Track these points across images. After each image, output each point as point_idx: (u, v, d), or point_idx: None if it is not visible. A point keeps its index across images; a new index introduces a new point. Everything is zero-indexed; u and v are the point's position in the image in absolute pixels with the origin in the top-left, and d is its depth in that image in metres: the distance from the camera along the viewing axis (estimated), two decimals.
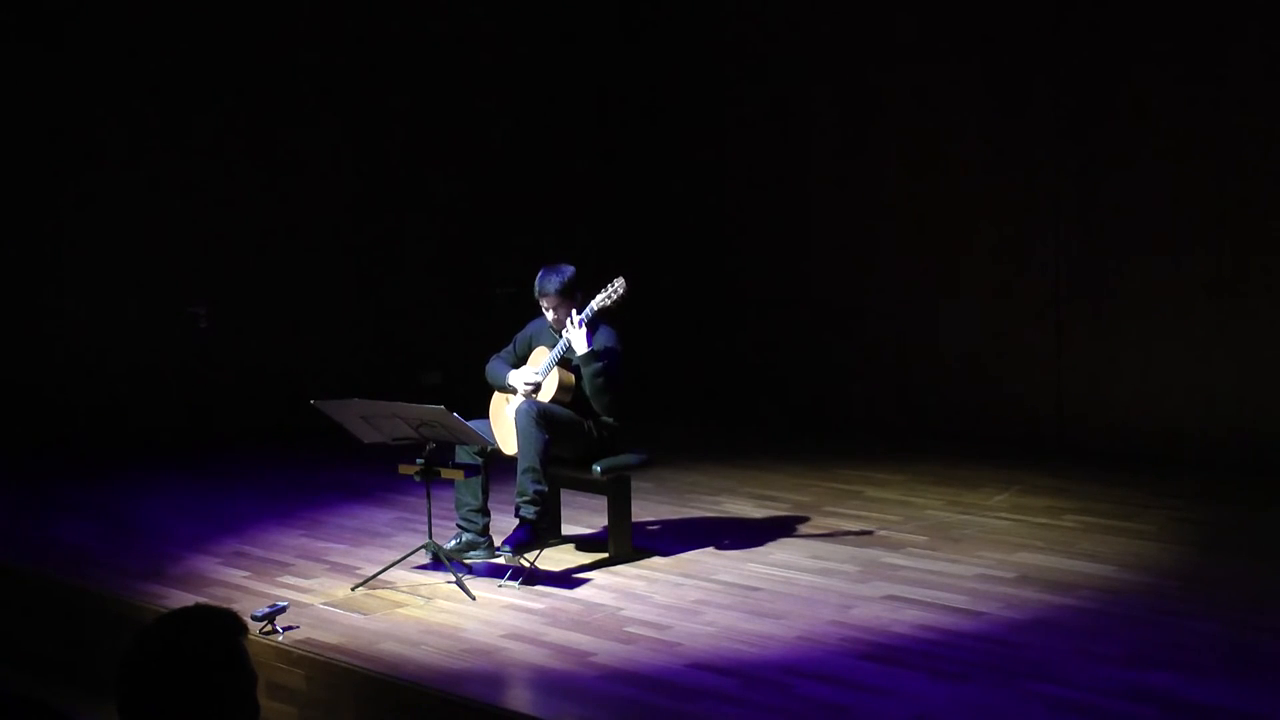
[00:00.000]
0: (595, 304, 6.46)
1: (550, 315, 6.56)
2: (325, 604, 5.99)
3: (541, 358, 6.58)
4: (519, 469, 6.30)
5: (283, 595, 5.97)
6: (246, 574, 6.50)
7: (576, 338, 6.40)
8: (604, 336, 6.50)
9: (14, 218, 9.41)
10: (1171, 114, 8.51)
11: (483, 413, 6.69)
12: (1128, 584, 6.10)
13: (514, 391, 6.59)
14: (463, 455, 6.46)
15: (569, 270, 6.56)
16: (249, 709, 2.50)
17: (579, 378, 6.48)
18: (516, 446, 6.34)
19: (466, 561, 6.42)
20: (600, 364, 6.39)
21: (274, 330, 10.14)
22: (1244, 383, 8.35)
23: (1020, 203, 9.18)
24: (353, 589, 6.16)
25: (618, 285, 6.46)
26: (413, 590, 6.13)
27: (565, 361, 6.49)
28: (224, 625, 2.52)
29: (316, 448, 8.87)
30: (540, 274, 6.57)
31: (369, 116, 10.39)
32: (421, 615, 5.82)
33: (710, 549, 6.77)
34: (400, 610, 5.88)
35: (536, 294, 6.57)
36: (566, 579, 6.29)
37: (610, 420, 6.59)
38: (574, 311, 6.48)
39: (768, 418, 10.33)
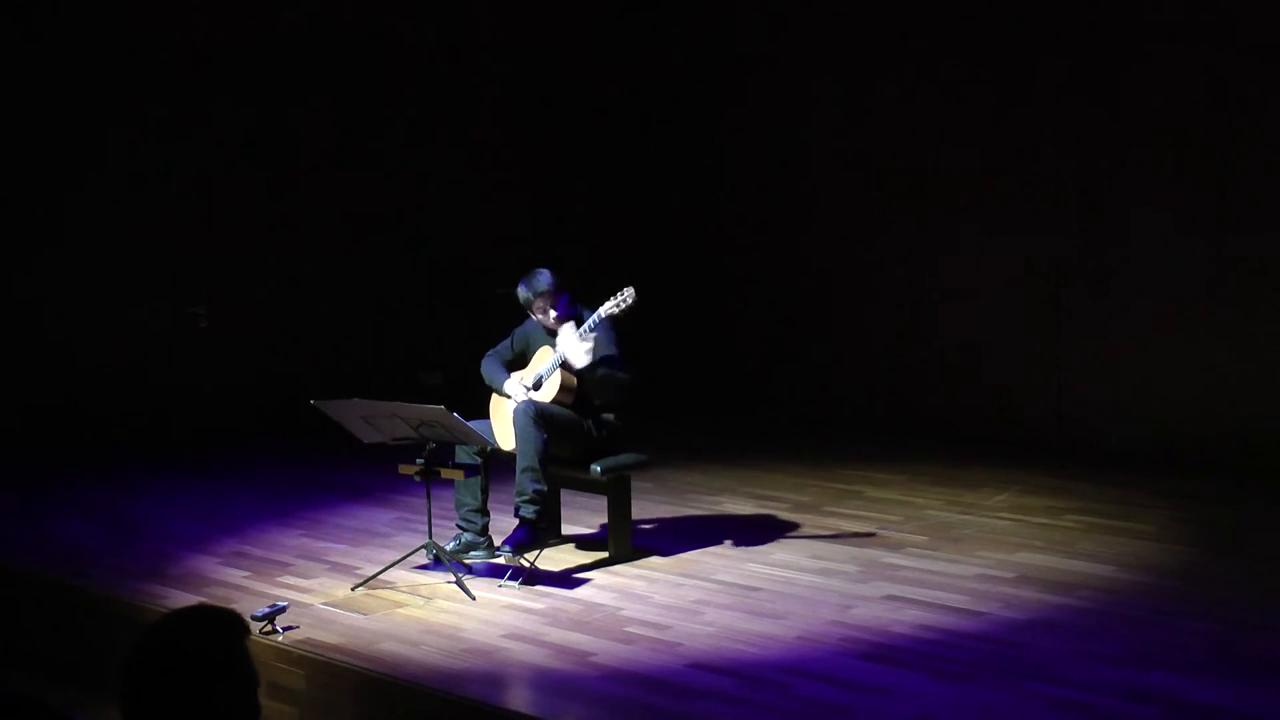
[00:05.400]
0: (603, 311, 6.38)
1: (548, 317, 6.54)
2: (325, 604, 5.99)
3: (546, 357, 6.57)
4: (518, 468, 6.30)
5: (283, 595, 5.97)
6: (246, 574, 6.50)
7: (574, 351, 6.35)
8: (604, 332, 6.46)
9: (13, 217, 9.40)
10: (1172, 113, 8.51)
11: (483, 413, 6.68)
12: (1128, 584, 6.11)
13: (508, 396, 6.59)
14: (462, 455, 6.46)
15: (546, 271, 6.57)
16: (250, 710, 2.50)
17: (581, 380, 6.49)
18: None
19: (466, 561, 6.42)
20: (602, 370, 6.38)
21: (274, 330, 10.14)
22: (1244, 382, 8.35)
23: (1020, 202, 9.18)
24: (353, 589, 6.16)
25: (627, 295, 6.36)
26: (413, 590, 6.13)
27: (568, 362, 6.48)
28: (226, 626, 2.52)
29: (316, 448, 8.87)
30: (523, 283, 6.55)
31: (370, 116, 10.39)
32: (421, 615, 5.82)
33: (710, 549, 6.77)
34: (400, 610, 5.88)
35: (529, 300, 6.53)
36: (566, 579, 6.29)
37: (611, 419, 6.59)
38: (584, 316, 6.44)
39: (768, 418, 10.33)
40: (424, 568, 6.39)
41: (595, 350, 6.37)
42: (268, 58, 10.00)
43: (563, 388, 6.45)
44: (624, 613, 5.81)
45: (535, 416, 6.26)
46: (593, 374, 6.38)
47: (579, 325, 6.43)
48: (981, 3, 9.29)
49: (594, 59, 11.07)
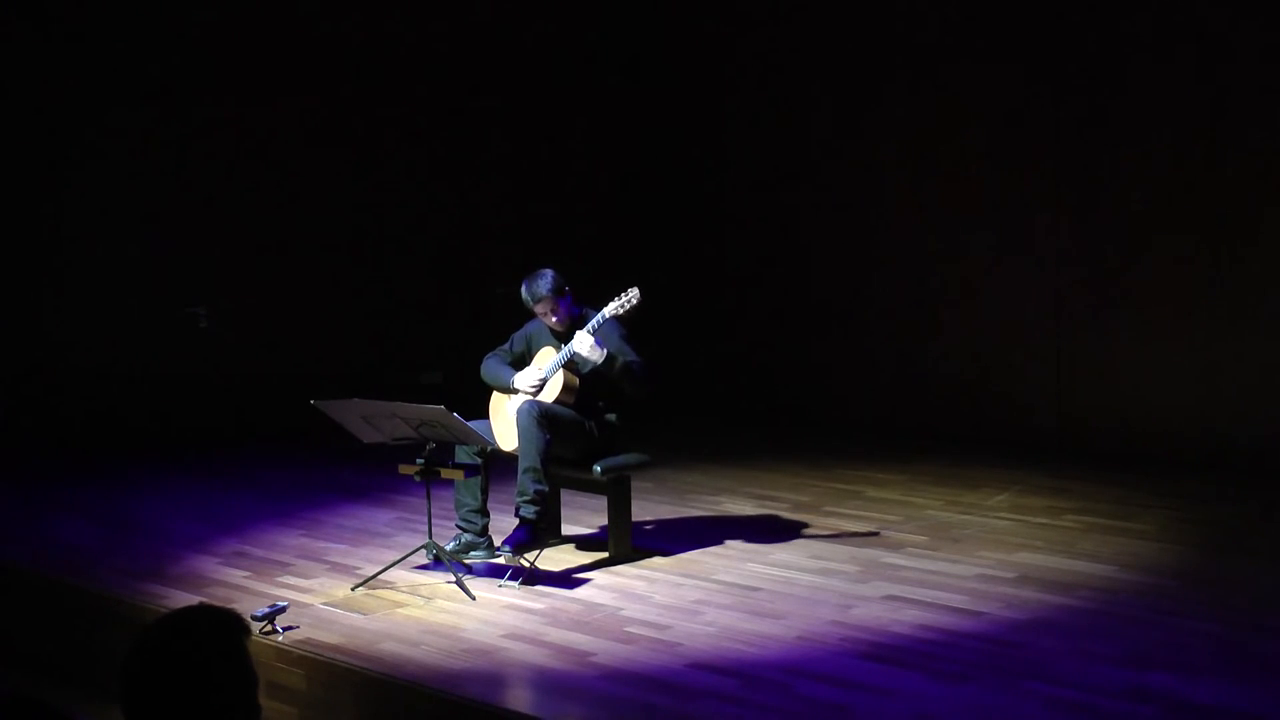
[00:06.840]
0: (608, 311, 6.37)
1: (551, 320, 6.53)
2: (325, 604, 5.99)
3: (548, 358, 6.56)
4: (520, 468, 6.30)
5: (283, 595, 5.97)
6: (246, 574, 6.50)
7: (586, 349, 6.29)
8: (609, 330, 6.45)
9: (14, 217, 9.40)
10: (1171, 113, 8.50)
11: (483, 413, 6.67)
12: (1127, 584, 6.11)
13: (516, 392, 6.58)
14: (462, 455, 6.46)
15: (550, 271, 6.54)
16: (250, 710, 2.50)
17: (583, 380, 6.48)
18: (517, 445, 6.33)
19: (466, 561, 6.42)
20: (621, 361, 6.36)
21: (274, 330, 10.14)
22: (1244, 382, 8.35)
23: (1020, 202, 9.18)
24: (353, 589, 6.16)
25: (632, 295, 6.35)
26: (413, 590, 6.13)
27: (571, 363, 6.47)
28: (226, 625, 2.52)
29: (316, 448, 8.87)
30: (526, 284, 6.51)
31: (369, 115, 10.38)
32: (421, 615, 5.82)
33: (710, 549, 6.77)
34: (400, 610, 5.88)
35: (531, 302, 6.51)
36: (566, 579, 6.29)
37: (612, 419, 6.59)
38: (589, 316, 6.43)
39: (768, 418, 10.33)
40: (424, 568, 6.39)
41: (604, 346, 6.33)
42: (268, 56, 9.99)
43: (565, 388, 6.45)
44: (624, 613, 5.81)
45: (539, 417, 6.26)
46: (612, 369, 6.35)
47: (584, 326, 6.42)
48: (982, 3, 9.30)
49: (594, 57, 11.07)
